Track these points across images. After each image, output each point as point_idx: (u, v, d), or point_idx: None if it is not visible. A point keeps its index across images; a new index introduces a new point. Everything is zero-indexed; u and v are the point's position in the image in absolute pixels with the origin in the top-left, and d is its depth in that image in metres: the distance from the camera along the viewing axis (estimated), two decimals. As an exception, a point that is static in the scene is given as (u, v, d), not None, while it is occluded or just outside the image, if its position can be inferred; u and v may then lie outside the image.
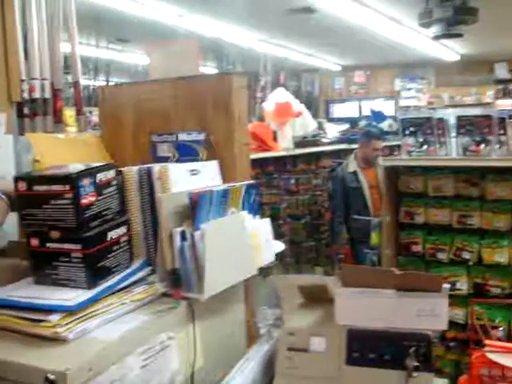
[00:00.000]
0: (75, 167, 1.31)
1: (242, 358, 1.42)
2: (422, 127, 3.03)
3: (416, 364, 1.25)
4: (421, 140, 3.02)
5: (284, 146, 4.67)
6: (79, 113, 1.95)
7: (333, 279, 1.47)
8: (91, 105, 4.76)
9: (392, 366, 1.27)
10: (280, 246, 2.36)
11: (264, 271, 1.65)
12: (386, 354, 1.29)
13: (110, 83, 5.69)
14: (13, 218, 1.55)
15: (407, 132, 3.09)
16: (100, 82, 6.67)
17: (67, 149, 1.69)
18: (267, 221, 1.63)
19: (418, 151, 3.03)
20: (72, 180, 1.23)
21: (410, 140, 3.06)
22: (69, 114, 2.23)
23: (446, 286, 1.30)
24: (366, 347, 1.31)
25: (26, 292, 1.26)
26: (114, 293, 1.28)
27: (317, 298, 1.53)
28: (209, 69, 7.47)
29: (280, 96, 5.00)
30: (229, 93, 1.67)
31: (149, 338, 1.24)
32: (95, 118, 4.38)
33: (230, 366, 1.37)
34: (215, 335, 1.49)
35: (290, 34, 7.66)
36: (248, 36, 7.59)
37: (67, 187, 1.22)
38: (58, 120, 1.82)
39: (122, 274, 1.33)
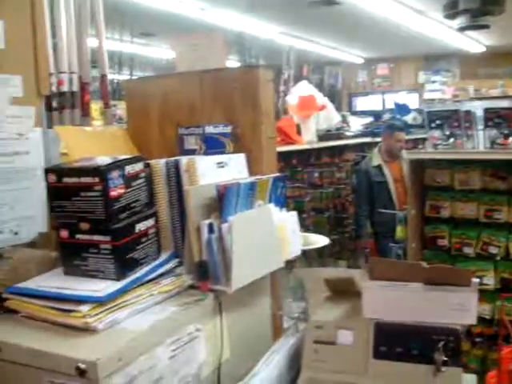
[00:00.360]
0: (104, 160, 1.32)
1: (268, 351, 1.42)
2: (449, 120, 2.99)
3: (445, 358, 1.24)
4: (447, 133, 2.99)
5: (307, 140, 4.65)
6: (106, 106, 1.97)
7: (359, 272, 1.46)
8: (115, 98, 4.79)
9: (420, 360, 1.26)
10: (324, 241, 2.36)
11: (289, 264, 1.65)
12: (414, 349, 1.28)
13: (134, 77, 5.71)
14: (43, 210, 1.58)
15: (433, 125, 3.06)
16: (124, 76, 6.71)
17: (94, 142, 1.70)
18: (294, 214, 1.63)
19: (444, 144, 3.00)
20: (101, 172, 1.24)
21: (437, 133, 3.03)
22: (94, 107, 2.25)
23: (476, 280, 1.29)
24: (394, 341, 1.30)
25: (56, 283, 1.27)
26: (142, 284, 1.29)
27: (343, 291, 1.52)
28: (232, 62, 7.47)
29: (303, 89, 4.98)
30: (255, 86, 1.67)
31: (177, 329, 1.25)
32: (119, 112, 4.41)
33: (255, 359, 1.37)
34: (241, 328, 1.49)
35: (313, 26, 7.61)
36: (270, 29, 7.56)
37: (96, 179, 1.24)
38: (86, 113, 1.83)
39: (150, 266, 1.34)
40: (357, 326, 1.34)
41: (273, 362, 1.38)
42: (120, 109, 4.35)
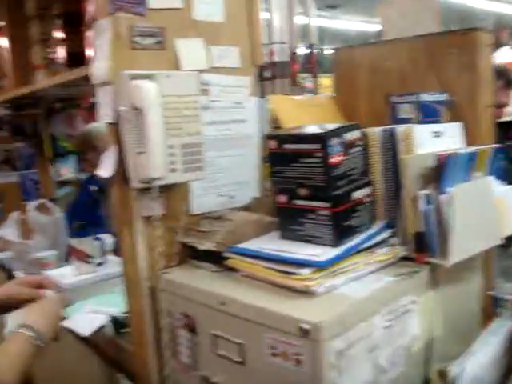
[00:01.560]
0: (320, 127, 1.33)
1: (484, 332, 1.35)
2: None
3: None
4: None
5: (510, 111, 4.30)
6: (314, 75, 1.99)
7: None
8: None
9: None
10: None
11: (506, 241, 1.54)
12: None
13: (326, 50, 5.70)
14: (256, 176, 1.65)
15: None
16: (315, 49, 6.75)
17: (304, 110, 1.73)
18: (514, 188, 1.51)
19: None
20: (322, 139, 1.24)
21: None
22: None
23: None
24: None
25: (275, 245, 1.32)
26: (357, 252, 1.29)
27: None
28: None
29: (505, 55, 4.61)
30: (473, 51, 1.56)
31: (392, 299, 1.23)
32: (308, 84, 4.46)
33: (464, 339, 1.31)
34: (452, 305, 1.43)
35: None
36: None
37: (317, 146, 1.25)
38: (294, 83, 1.87)
39: (365, 235, 1.33)
40: None
41: (490, 343, 1.31)
42: (309, 82, 4.40)
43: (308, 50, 1.91)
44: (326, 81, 2.34)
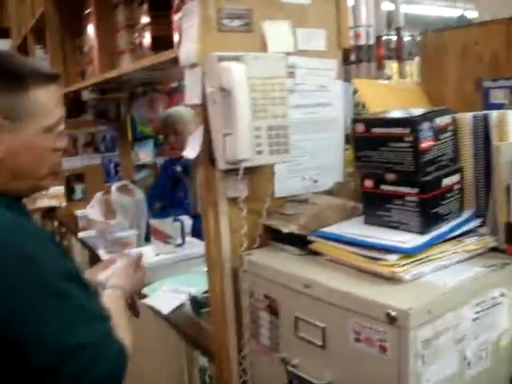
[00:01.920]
0: (408, 112, 1.29)
1: None
2: None
3: None
4: None
5: None
6: (400, 60, 1.94)
7: None
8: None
9: None
10: None
11: None
12: None
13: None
14: (340, 160, 1.63)
15: None
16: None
17: (389, 94, 1.69)
18: None
19: None
20: (413, 123, 1.21)
21: None
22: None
23: None
24: None
25: (360, 230, 1.30)
26: (445, 240, 1.25)
27: None
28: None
29: None
30: None
31: (481, 291, 1.19)
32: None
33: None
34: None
35: None
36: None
37: (407, 130, 1.22)
38: (380, 67, 1.84)
39: (453, 223, 1.29)
40: None
41: None
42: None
43: (393, 35, 1.87)
44: (393, 68, 2.29)
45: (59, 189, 3.81)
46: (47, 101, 1.12)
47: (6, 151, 1.09)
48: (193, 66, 1.41)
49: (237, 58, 1.34)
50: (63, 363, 1.01)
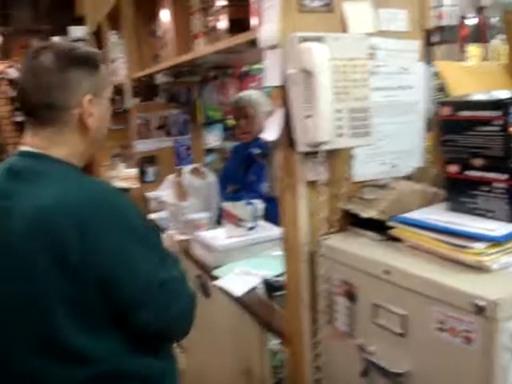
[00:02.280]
0: (493, 95, 1.24)
1: None
2: None
3: None
4: None
5: None
6: (483, 40, 1.86)
7: None
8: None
9: None
10: None
11: None
12: None
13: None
14: (420, 144, 1.58)
15: None
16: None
17: (472, 77, 1.62)
18: None
19: None
20: (504, 106, 1.15)
21: None
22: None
23: None
24: None
25: (443, 217, 1.26)
26: (536, 230, 1.19)
27: None
28: None
29: None
30: None
31: None
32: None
33: None
34: None
35: None
36: None
37: (497, 113, 1.16)
38: (462, 48, 1.76)
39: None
40: None
41: None
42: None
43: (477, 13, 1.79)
44: (474, 50, 2.18)
45: (132, 171, 3.90)
46: (106, 76, 1.35)
47: (97, 121, 1.30)
48: (273, 46, 1.39)
49: (318, 39, 1.32)
50: (153, 296, 1.20)
